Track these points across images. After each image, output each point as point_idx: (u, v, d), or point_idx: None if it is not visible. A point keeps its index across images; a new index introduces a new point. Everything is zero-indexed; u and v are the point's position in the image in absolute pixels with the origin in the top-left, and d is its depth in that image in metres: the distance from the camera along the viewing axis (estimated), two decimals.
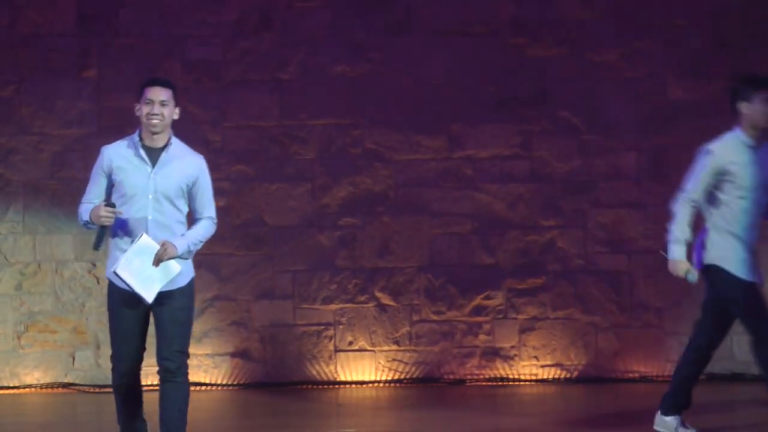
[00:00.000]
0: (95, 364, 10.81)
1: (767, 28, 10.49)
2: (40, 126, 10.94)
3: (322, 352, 10.78)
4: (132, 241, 6.36)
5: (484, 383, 10.53)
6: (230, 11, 10.87)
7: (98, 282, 10.83)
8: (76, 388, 10.63)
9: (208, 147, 10.71)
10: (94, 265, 10.85)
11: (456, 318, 10.75)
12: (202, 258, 10.56)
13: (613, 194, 10.65)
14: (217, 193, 10.53)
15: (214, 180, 10.64)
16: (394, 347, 10.81)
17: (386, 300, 10.83)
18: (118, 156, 6.47)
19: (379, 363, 10.78)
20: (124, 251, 6.34)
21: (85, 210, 6.51)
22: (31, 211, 10.93)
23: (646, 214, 10.64)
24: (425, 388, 10.50)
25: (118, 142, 6.59)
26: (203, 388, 10.61)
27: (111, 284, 6.47)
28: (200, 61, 10.89)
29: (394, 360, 10.81)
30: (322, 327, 10.81)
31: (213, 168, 10.67)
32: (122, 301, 6.41)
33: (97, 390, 10.53)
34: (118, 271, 6.29)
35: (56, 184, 10.91)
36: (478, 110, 10.81)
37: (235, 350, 10.82)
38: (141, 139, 6.56)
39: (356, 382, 10.66)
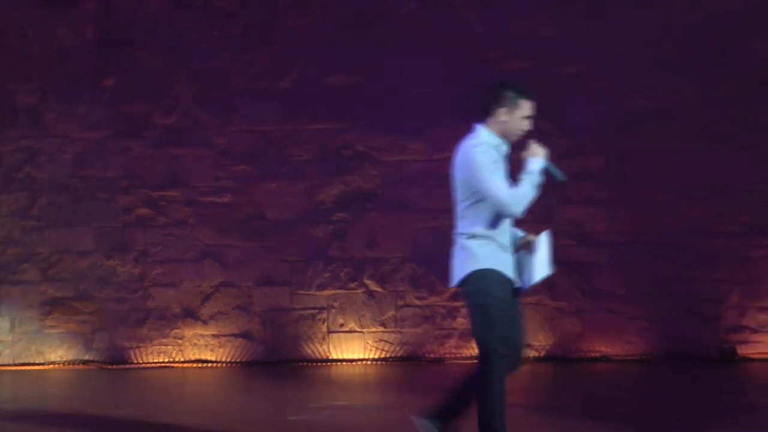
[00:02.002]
0: (112, 344, 11.26)
1: (726, 42, 10.58)
2: (63, 129, 11.40)
3: (316, 333, 11.14)
4: (504, 233, 5.90)
5: (461, 361, 10.77)
6: (234, 27, 11.24)
7: (115, 270, 11.31)
8: (96, 364, 11.12)
9: (214, 149, 11.31)
10: (110, 255, 11.34)
11: (436, 303, 11.06)
12: (209, 249, 11.24)
13: (582, 192, 10.76)
14: (222, 190, 11.36)
15: (218, 179, 11.35)
16: (381, 329, 11.14)
17: (374, 287, 11.19)
18: (497, 152, 5.83)
19: (368, 343, 11.15)
20: (497, 241, 5.83)
21: (518, 188, 5.74)
22: (54, 206, 11.40)
23: (611, 211, 10.80)
24: (409, 365, 10.81)
25: (487, 139, 5.86)
26: (210, 365, 11.02)
27: (493, 275, 5.80)
28: (208, 72, 11.26)
29: (381, 340, 11.14)
30: (316, 311, 11.17)
31: (218, 168, 11.35)
32: (508, 291, 5.85)
33: (114, 367, 11.02)
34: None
35: (77, 182, 11.39)
36: (457, 116, 10.49)
37: (238, 331, 11.22)
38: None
39: (347, 360, 11.01)
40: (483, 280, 5.75)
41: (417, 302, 11.16)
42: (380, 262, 11.19)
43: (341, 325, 11.19)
